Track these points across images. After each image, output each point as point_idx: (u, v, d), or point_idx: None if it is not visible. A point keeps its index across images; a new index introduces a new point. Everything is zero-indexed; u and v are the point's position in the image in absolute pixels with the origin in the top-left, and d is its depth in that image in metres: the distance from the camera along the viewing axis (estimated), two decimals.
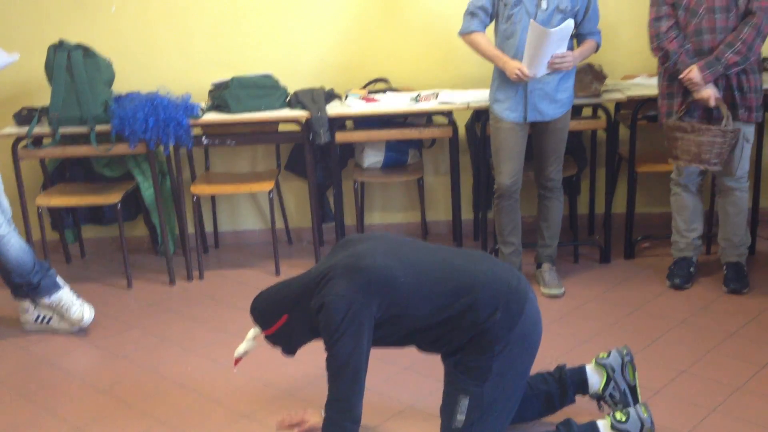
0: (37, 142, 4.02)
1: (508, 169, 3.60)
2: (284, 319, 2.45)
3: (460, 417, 2.34)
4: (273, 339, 2.53)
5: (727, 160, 3.47)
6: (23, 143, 3.94)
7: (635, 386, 2.61)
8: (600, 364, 2.63)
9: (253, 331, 2.57)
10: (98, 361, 3.36)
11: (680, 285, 3.70)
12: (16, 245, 3.45)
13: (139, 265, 4.38)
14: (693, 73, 3.36)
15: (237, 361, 2.62)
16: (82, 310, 3.56)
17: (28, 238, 3.93)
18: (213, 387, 3.06)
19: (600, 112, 3.99)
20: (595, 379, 2.62)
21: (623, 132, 4.13)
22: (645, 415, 2.41)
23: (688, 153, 3.44)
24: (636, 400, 2.59)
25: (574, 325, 3.42)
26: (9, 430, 2.84)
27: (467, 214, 4.48)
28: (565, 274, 3.91)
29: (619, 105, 4.08)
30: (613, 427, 2.40)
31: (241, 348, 2.60)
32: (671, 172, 3.74)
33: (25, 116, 4.00)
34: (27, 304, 3.59)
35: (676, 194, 3.72)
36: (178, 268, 4.21)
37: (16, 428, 2.85)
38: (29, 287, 3.50)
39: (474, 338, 2.33)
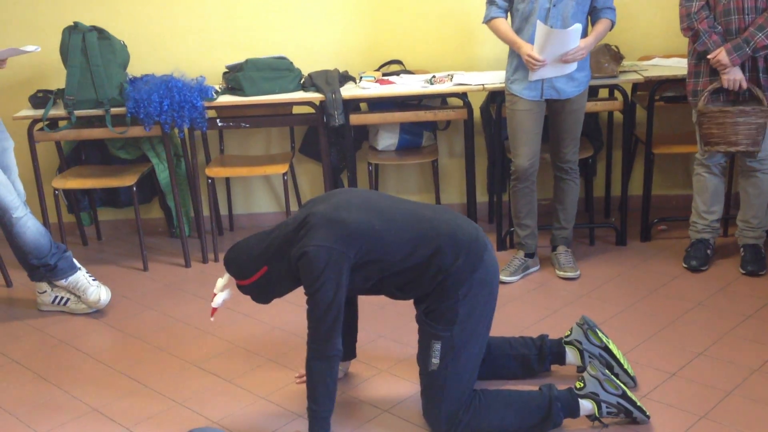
0: (53, 124, 4.03)
1: (526, 151, 3.58)
2: (264, 270, 2.51)
3: (435, 361, 2.49)
4: (247, 289, 2.59)
5: (755, 141, 3.44)
6: (39, 126, 3.96)
7: (606, 345, 2.75)
8: (567, 343, 2.82)
9: (223, 280, 2.65)
10: (115, 341, 3.39)
11: (697, 267, 3.68)
12: (33, 228, 3.47)
13: (155, 248, 4.40)
14: (721, 55, 3.34)
15: (214, 311, 2.69)
16: (98, 292, 3.58)
17: (45, 221, 3.95)
18: (230, 367, 3.08)
19: (617, 94, 3.95)
20: (571, 357, 2.81)
21: (640, 113, 4.10)
22: (594, 372, 2.56)
23: (715, 136, 3.42)
24: (614, 356, 2.73)
25: (590, 307, 3.41)
26: (28, 410, 2.87)
27: (482, 196, 4.47)
28: (580, 257, 3.90)
29: (636, 86, 4.05)
30: (576, 397, 2.54)
31: (218, 299, 2.66)
32: (689, 154, 3.71)
33: (40, 99, 4.02)
34: (44, 285, 3.61)
35: (699, 175, 3.69)
36: (193, 251, 4.23)
37: (35, 408, 2.88)
38: (46, 269, 3.53)
39: (439, 284, 2.45)
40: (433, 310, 2.49)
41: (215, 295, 2.68)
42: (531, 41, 3.39)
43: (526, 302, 3.50)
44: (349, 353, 2.90)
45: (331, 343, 2.43)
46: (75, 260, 3.62)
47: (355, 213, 2.44)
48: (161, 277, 4.03)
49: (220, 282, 2.66)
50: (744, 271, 3.62)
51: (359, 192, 2.67)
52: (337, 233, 2.38)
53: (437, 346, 2.48)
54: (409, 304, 2.65)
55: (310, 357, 2.46)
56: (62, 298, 3.61)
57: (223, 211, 4.63)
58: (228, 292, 2.66)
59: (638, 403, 2.55)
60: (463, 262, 2.45)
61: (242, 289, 2.59)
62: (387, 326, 3.28)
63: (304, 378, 2.79)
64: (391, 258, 2.44)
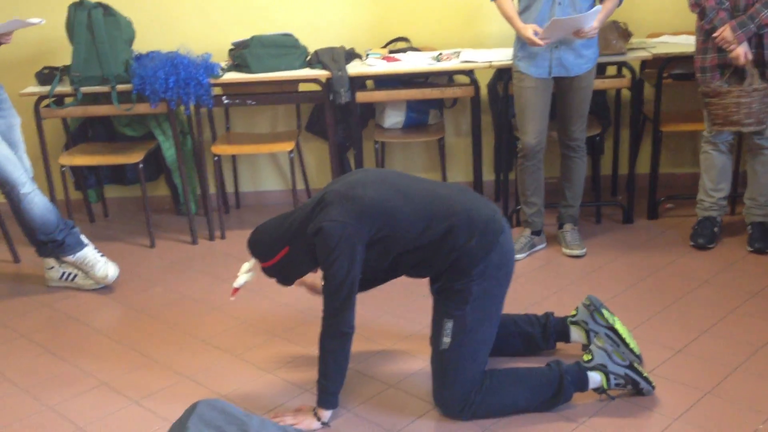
0: (59, 101, 4.03)
1: (533, 128, 3.57)
2: (285, 251, 2.52)
3: (446, 339, 2.48)
4: (271, 271, 2.60)
5: (759, 120, 3.42)
6: (45, 102, 3.96)
7: (612, 325, 2.72)
8: (574, 323, 2.81)
9: (249, 264, 2.65)
10: (123, 317, 3.41)
11: (704, 245, 3.67)
12: (40, 204, 3.48)
13: (162, 225, 4.41)
14: (726, 32, 3.32)
15: (235, 291, 2.70)
16: (106, 268, 3.60)
17: (52, 198, 3.97)
18: (237, 342, 3.10)
19: (625, 71, 3.93)
20: (576, 335, 2.81)
21: (648, 91, 4.07)
22: (602, 344, 2.59)
23: (718, 116, 3.41)
24: (620, 336, 2.70)
25: (596, 285, 3.41)
26: (36, 383, 2.89)
27: (488, 174, 4.46)
28: (587, 235, 3.90)
29: (644, 63, 4.02)
30: (584, 369, 2.55)
31: (241, 279, 2.67)
32: (697, 132, 3.69)
33: (46, 75, 4.02)
34: (52, 261, 3.63)
35: (706, 152, 3.68)
36: (200, 228, 4.24)
37: (43, 382, 2.90)
38: (54, 245, 3.54)
39: (454, 263, 2.45)
40: (446, 288, 2.49)
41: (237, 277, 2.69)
42: (540, 17, 3.35)
43: (532, 280, 3.50)
44: None
45: (344, 319, 2.43)
46: (83, 236, 3.63)
47: (370, 190, 2.45)
48: (168, 254, 4.04)
49: (246, 265, 2.66)
50: (751, 249, 3.61)
51: (376, 171, 2.67)
52: (352, 209, 2.39)
53: (449, 325, 2.47)
54: (414, 281, 2.66)
55: (324, 333, 2.47)
56: (70, 273, 3.63)
57: (230, 188, 4.63)
58: (251, 274, 2.67)
59: (645, 374, 2.56)
60: (478, 243, 2.44)
61: (266, 271, 2.61)
62: (392, 303, 3.28)
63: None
64: (405, 235, 2.44)
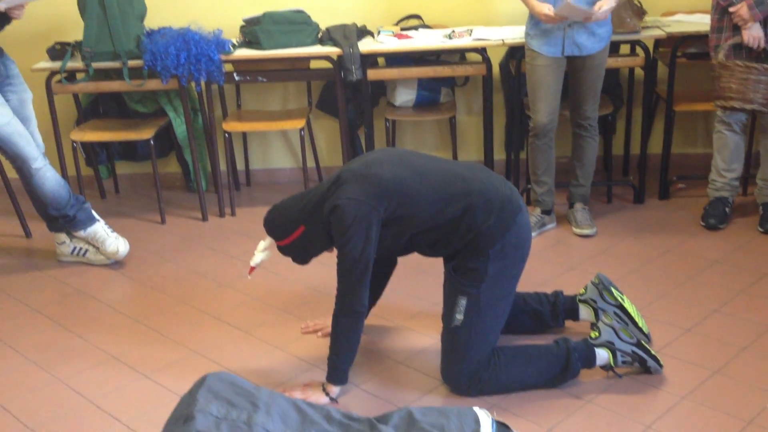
0: (71, 77, 4.03)
1: (545, 107, 3.55)
2: (301, 230, 2.52)
3: (459, 317, 2.48)
4: (287, 249, 2.61)
5: None
6: (57, 78, 3.96)
7: (621, 304, 2.71)
8: (582, 301, 2.81)
9: (265, 242, 2.66)
10: (134, 292, 3.43)
11: (715, 225, 3.65)
12: (52, 179, 3.49)
13: (173, 202, 4.42)
14: (742, 9, 3.28)
15: (252, 269, 2.71)
16: (117, 244, 3.61)
17: (63, 173, 3.98)
18: (247, 319, 3.11)
19: (638, 50, 3.89)
20: (585, 314, 2.81)
21: (661, 70, 4.04)
22: (609, 321, 2.61)
23: (734, 92, 3.37)
24: (629, 314, 2.69)
25: (606, 264, 3.40)
26: (47, 356, 2.92)
27: (499, 154, 4.44)
28: (597, 215, 3.88)
29: (658, 42, 3.98)
30: (592, 346, 2.56)
31: (258, 258, 2.68)
32: (710, 112, 3.67)
33: (58, 51, 4.02)
34: (63, 236, 3.65)
35: (719, 132, 3.65)
36: (210, 205, 4.25)
37: (54, 355, 2.93)
38: (65, 220, 3.56)
39: (470, 242, 2.45)
40: (462, 266, 2.49)
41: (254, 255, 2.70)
42: None
43: (542, 259, 3.50)
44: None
45: (357, 298, 2.44)
46: (94, 212, 3.65)
47: (387, 169, 2.44)
48: (179, 231, 4.05)
49: (262, 244, 2.67)
50: (762, 230, 3.60)
51: (393, 150, 2.66)
52: (368, 188, 2.39)
53: (463, 302, 2.47)
54: (425, 259, 2.66)
55: (338, 311, 2.48)
56: (81, 248, 3.65)
57: (240, 166, 4.64)
58: (267, 252, 2.68)
59: (652, 352, 2.56)
60: (495, 222, 2.43)
61: (282, 249, 2.61)
62: (403, 281, 3.29)
63: (309, 329, 2.91)
64: (421, 214, 2.44)
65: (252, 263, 2.69)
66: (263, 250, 2.67)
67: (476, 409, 1.66)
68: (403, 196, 2.42)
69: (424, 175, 2.47)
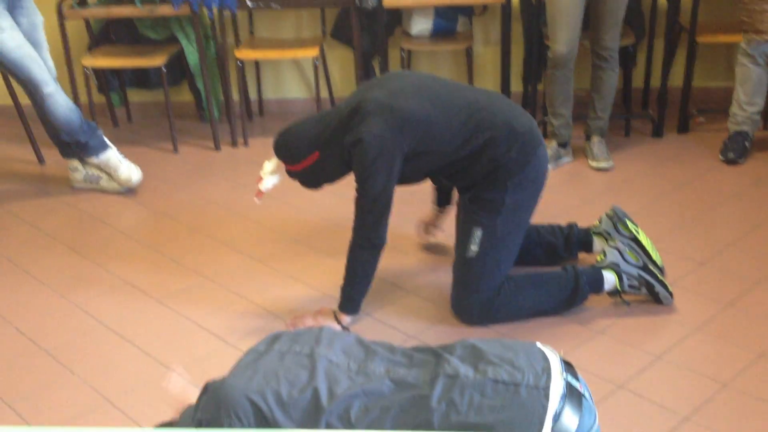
0: (82, 2, 3.97)
1: (565, 36, 3.46)
2: (316, 156, 2.44)
3: (474, 248, 2.47)
4: (297, 174, 2.51)
5: None
6: (68, 2, 3.90)
7: (636, 236, 2.68)
8: (597, 233, 2.79)
9: (271, 164, 2.54)
10: (146, 219, 3.43)
11: (734, 159, 3.59)
12: (63, 104, 3.47)
13: (185, 131, 4.40)
14: None
15: (260, 193, 2.58)
16: (129, 171, 3.61)
17: (75, 100, 3.94)
18: (259, 247, 3.12)
19: None
20: (598, 246, 2.79)
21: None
22: (615, 243, 2.62)
23: (761, 23, 3.28)
24: (643, 247, 2.65)
25: (622, 198, 3.36)
26: (62, 281, 2.95)
27: (516, 86, 4.36)
28: (615, 148, 3.82)
29: None
30: (599, 270, 2.57)
31: (268, 182, 2.55)
32: (734, 44, 3.57)
33: None
34: (76, 163, 3.65)
35: (742, 65, 3.56)
36: (222, 134, 4.22)
37: (69, 280, 2.95)
38: (77, 146, 3.55)
39: (490, 174, 2.43)
40: (479, 197, 2.47)
41: (261, 178, 2.56)
42: None
43: (558, 192, 3.46)
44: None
45: (377, 233, 2.42)
46: (106, 139, 3.63)
47: (411, 101, 2.38)
48: (191, 160, 4.04)
49: (268, 166, 2.55)
50: None
51: (415, 76, 2.58)
52: (392, 122, 2.33)
53: (478, 233, 2.46)
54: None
55: (355, 244, 2.46)
56: (94, 175, 3.65)
57: (253, 95, 4.59)
58: (278, 176, 2.56)
59: (660, 277, 2.54)
60: (516, 154, 2.40)
61: (291, 173, 2.52)
62: (416, 213, 3.27)
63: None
64: (444, 148, 2.40)
65: (262, 188, 2.56)
66: (271, 172, 2.55)
67: (539, 344, 1.65)
68: (428, 132, 2.37)
69: (446, 106, 2.41)
